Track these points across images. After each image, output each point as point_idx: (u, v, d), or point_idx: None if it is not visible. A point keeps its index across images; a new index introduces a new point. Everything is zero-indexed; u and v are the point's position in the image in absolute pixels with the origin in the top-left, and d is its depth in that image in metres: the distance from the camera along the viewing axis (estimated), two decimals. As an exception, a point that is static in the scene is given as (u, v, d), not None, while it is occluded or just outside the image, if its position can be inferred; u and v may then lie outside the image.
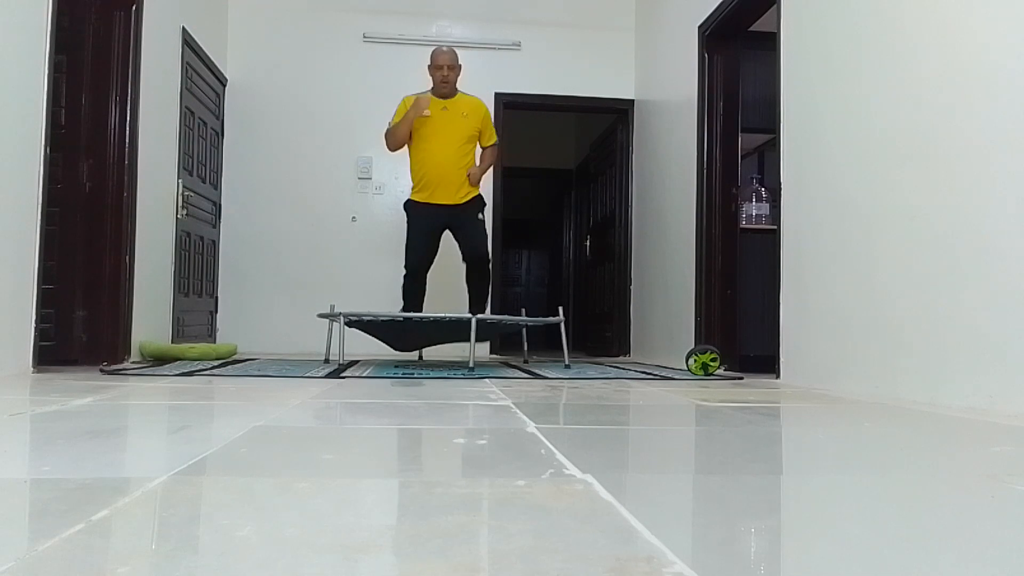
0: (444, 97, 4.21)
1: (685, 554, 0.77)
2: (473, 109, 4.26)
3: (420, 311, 4.25)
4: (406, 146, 4.27)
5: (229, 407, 2.11)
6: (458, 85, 4.27)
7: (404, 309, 4.24)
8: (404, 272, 4.27)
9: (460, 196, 4.21)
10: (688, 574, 0.70)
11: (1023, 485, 1.17)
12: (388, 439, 1.59)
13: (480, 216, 4.28)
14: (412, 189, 4.31)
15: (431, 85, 4.25)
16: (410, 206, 4.29)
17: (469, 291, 4.36)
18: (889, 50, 2.69)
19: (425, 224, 4.22)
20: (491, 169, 4.58)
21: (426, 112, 4.10)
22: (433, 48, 4.33)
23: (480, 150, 4.38)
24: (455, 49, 4.30)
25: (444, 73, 4.16)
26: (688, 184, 4.51)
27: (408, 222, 4.29)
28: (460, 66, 4.25)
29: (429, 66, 4.24)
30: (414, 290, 4.26)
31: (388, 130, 4.25)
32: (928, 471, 1.35)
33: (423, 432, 1.71)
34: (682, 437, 1.77)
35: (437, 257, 4.33)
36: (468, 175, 4.22)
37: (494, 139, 4.37)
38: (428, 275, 4.31)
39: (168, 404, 2.17)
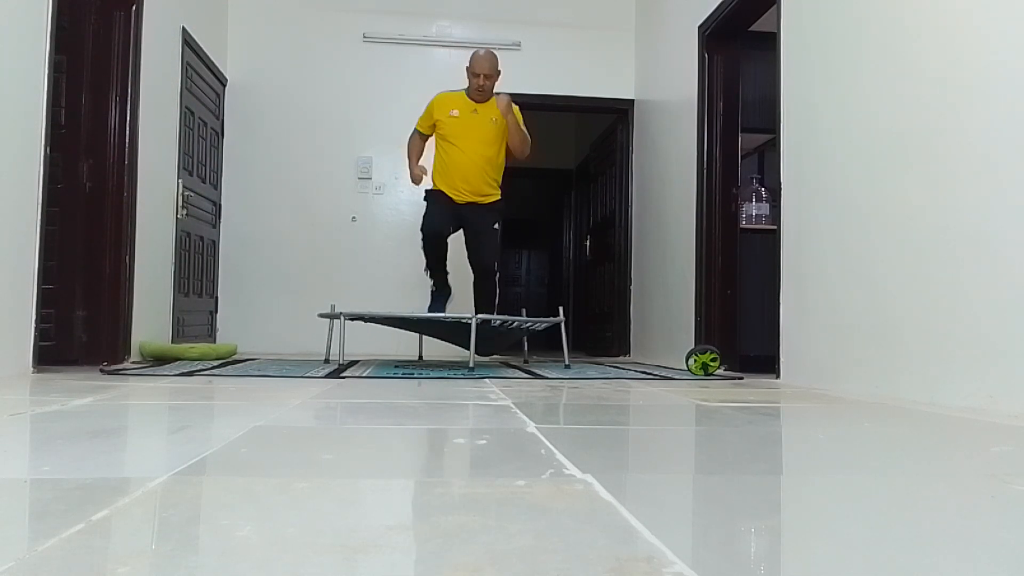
0: (478, 100, 4.16)
1: (685, 554, 0.77)
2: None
3: (444, 266, 4.22)
4: (432, 139, 4.26)
5: (229, 407, 2.11)
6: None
7: (427, 267, 4.24)
8: (421, 237, 4.19)
9: (479, 199, 4.18)
10: (688, 574, 0.70)
11: (1023, 485, 1.17)
12: (388, 439, 1.59)
13: (496, 227, 4.23)
14: (432, 182, 4.27)
15: (467, 84, 4.18)
16: (429, 193, 4.26)
17: (475, 299, 4.33)
18: (889, 50, 2.69)
19: (442, 206, 4.16)
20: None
21: (454, 113, 4.09)
22: (473, 51, 4.23)
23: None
24: (494, 54, 4.19)
25: (481, 82, 4.09)
26: (688, 184, 4.51)
27: (426, 206, 4.24)
28: (500, 72, 4.18)
29: (467, 68, 4.16)
30: (434, 246, 4.16)
31: (410, 138, 4.30)
32: (928, 471, 1.35)
33: (423, 432, 1.71)
34: (682, 437, 1.77)
35: (447, 259, 4.29)
36: (498, 98, 4.06)
37: (525, 132, 4.25)
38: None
39: (168, 404, 2.17)
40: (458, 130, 4.13)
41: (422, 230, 4.19)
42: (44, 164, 3.09)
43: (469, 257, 4.28)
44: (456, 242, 4.28)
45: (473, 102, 4.16)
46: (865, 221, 2.78)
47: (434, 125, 4.22)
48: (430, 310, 4.24)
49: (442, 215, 4.16)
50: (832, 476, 1.29)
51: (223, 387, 2.63)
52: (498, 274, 4.33)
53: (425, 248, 4.22)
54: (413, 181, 4.31)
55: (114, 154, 3.74)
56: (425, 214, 4.23)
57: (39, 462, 1.24)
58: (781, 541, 0.91)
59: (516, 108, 4.20)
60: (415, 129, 4.31)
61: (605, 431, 1.80)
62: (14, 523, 0.89)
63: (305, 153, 5.59)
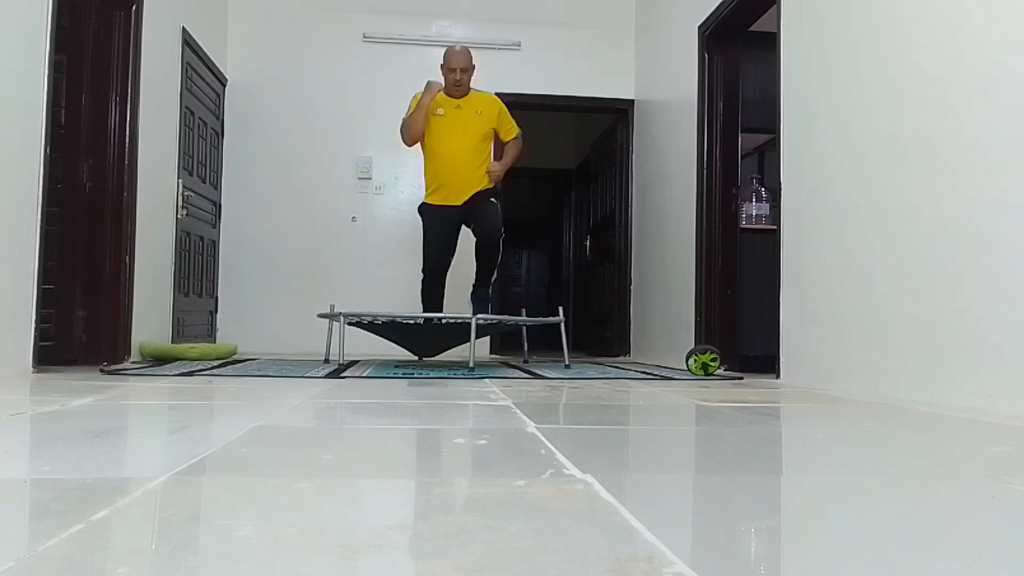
0: (457, 96, 4.16)
1: (685, 554, 0.77)
2: (487, 105, 4.19)
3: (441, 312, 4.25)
4: (419, 146, 4.23)
5: (229, 407, 2.11)
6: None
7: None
8: (422, 276, 4.25)
9: (473, 192, 4.16)
10: (688, 574, 0.70)
11: (1023, 485, 1.17)
12: (388, 439, 1.59)
13: (492, 200, 4.20)
14: (426, 191, 4.26)
15: (443, 83, 4.17)
16: (425, 209, 4.24)
17: (477, 263, 4.29)
18: (889, 50, 2.69)
19: (442, 226, 4.17)
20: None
21: (439, 111, 4.06)
22: (446, 47, 4.25)
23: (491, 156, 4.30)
24: (468, 48, 4.20)
25: (457, 76, 4.08)
26: (688, 184, 4.51)
27: (424, 225, 4.25)
28: (474, 66, 4.17)
29: (442, 66, 4.15)
30: (433, 292, 4.23)
31: (403, 123, 4.19)
32: (928, 471, 1.35)
33: (423, 432, 1.71)
34: (682, 437, 1.77)
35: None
36: (489, 171, 4.14)
37: (516, 132, 4.27)
38: (447, 276, 4.27)
39: (168, 404, 2.17)
40: (445, 127, 4.11)
41: (424, 260, 4.21)
42: (44, 164, 3.09)
43: (475, 233, 4.22)
44: (461, 240, 4.29)
45: (453, 99, 4.15)
46: (865, 221, 2.78)
47: None
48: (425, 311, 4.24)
49: (443, 233, 4.17)
50: (832, 476, 1.29)
51: (223, 387, 2.63)
52: (503, 237, 4.23)
53: (424, 292, 4.24)
54: (434, 90, 4.11)
55: (114, 154, 3.74)
56: (425, 235, 4.23)
57: (39, 462, 1.24)
58: (781, 541, 0.91)
59: (503, 107, 4.24)
60: (403, 120, 4.23)
61: (605, 431, 1.80)
62: (14, 523, 0.89)
63: (305, 153, 5.59)
